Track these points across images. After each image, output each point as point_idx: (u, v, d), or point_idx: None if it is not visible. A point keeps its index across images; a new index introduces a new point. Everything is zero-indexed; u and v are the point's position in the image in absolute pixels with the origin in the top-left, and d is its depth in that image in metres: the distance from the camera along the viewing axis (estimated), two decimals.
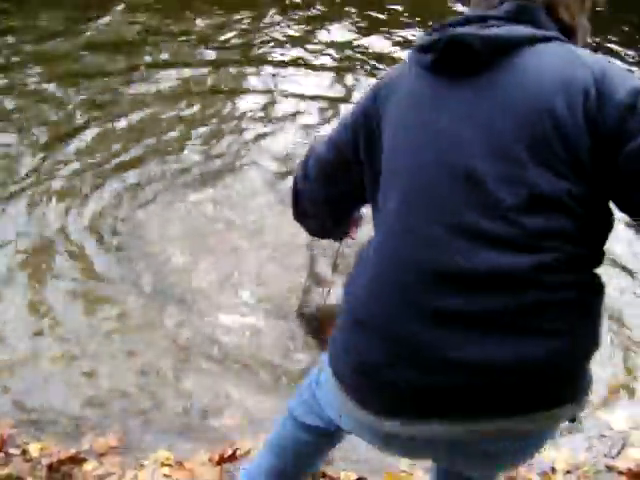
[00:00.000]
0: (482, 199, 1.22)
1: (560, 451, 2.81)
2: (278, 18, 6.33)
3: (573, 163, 1.21)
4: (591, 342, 1.29)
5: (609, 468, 2.75)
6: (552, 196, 1.20)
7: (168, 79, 5.19)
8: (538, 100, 1.24)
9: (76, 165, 4.19)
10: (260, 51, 5.77)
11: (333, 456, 2.63)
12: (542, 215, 1.20)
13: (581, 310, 1.25)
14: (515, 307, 1.20)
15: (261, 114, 4.97)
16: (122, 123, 4.64)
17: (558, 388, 1.26)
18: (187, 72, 5.29)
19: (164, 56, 5.56)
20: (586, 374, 1.32)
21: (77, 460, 2.52)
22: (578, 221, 1.22)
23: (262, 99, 5.14)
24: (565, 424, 1.40)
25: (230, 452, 2.55)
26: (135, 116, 4.70)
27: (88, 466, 2.50)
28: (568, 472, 2.70)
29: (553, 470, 2.70)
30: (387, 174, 1.37)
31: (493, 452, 1.35)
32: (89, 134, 4.48)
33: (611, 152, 1.21)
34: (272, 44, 5.87)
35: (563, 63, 1.27)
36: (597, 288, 1.30)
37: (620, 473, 2.71)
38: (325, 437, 1.87)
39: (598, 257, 1.30)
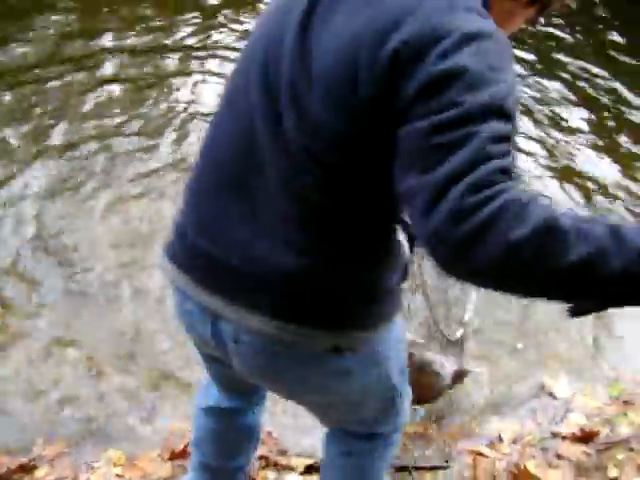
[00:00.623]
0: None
1: (506, 421, 2.89)
2: None
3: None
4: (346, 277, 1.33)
5: (554, 434, 2.83)
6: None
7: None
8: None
9: None
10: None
11: (286, 445, 2.69)
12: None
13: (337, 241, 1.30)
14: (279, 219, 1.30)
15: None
16: None
17: (290, 302, 1.33)
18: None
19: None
20: (347, 308, 1.36)
21: (28, 468, 2.50)
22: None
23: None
24: None
25: (181, 447, 2.57)
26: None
27: (40, 472, 2.49)
28: (514, 441, 2.78)
29: (500, 439, 2.78)
30: None
31: (257, 355, 1.43)
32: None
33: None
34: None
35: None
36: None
37: (564, 438, 2.79)
38: (226, 417, 1.95)
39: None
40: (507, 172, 1.03)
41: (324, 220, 1.29)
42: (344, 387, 1.52)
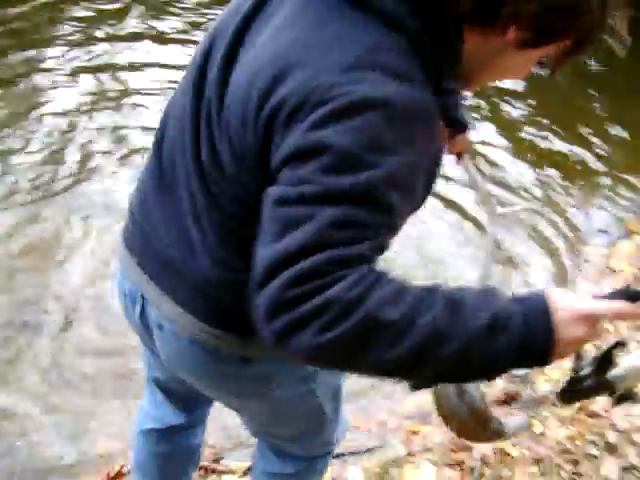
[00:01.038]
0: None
1: None
2: None
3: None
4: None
5: None
6: None
7: None
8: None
9: None
10: None
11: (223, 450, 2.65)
12: None
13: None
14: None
15: None
16: None
17: (204, 305, 1.33)
18: None
19: None
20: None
21: None
22: None
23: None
24: None
25: (117, 469, 2.49)
26: None
27: None
28: None
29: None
30: None
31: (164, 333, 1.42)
32: None
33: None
34: None
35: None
36: None
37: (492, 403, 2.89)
38: (167, 439, 1.88)
39: None
40: (345, 262, 0.96)
41: (235, 240, 1.24)
42: (262, 394, 1.48)
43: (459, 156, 1.87)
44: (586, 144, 5.14)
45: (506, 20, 1.04)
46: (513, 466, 2.65)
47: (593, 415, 2.87)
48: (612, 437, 2.78)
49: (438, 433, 2.74)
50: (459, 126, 1.73)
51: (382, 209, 1.00)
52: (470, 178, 2.08)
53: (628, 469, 2.68)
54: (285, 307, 0.96)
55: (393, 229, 1.04)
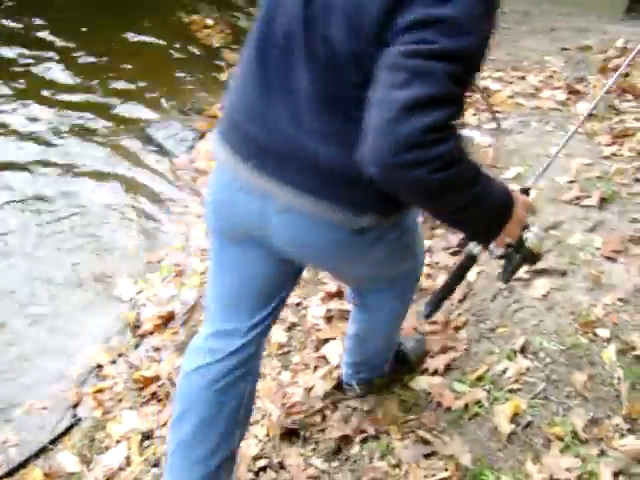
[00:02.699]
0: None
1: None
2: None
3: None
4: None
5: None
6: None
7: None
8: None
9: None
10: None
11: None
12: None
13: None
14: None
15: None
16: None
17: (325, 185, 1.58)
18: None
19: None
20: (369, 195, 1.57)
21: None
22: None
23: None
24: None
25: None
26: None
27: None
28: None
29: None
30: None
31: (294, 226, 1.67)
32: None
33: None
34: None
35: None
36: None
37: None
38: (217, 366, 1.92)
39: None
40: (457, 117, 1.34)
41: (347, 116, 1.49)
42: (372, 252, 1.77)
43: None
44: None
45: None
46: None
47: None
48: None
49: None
50: None
51: (476, 70, 1.38)
52: None
53: None
54: (419, 146, 1.28)
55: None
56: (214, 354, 1.92)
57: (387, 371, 2.47)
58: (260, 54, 1.61)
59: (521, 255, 1.72)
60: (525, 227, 1.68)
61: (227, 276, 1.93)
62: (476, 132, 4.04)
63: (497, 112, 4.21)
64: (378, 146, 1.31)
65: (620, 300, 2.59)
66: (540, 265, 2.71)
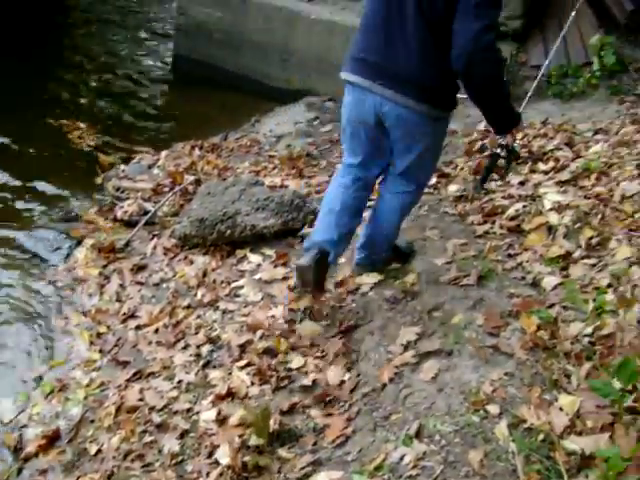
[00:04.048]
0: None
1: None
2: None
3: None
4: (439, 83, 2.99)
5: None
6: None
7: None
8: None
9: None
10: None
11: None
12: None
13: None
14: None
15: None
16: None
17: (416, 91, 2.96)
18: None
19: None
20: (446, 98, 3.06)
21: None
22: None
23: None
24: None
25: None
26: None
27: None
28: None
29: None
30: None
31: (396, 115, 3.02)
32: None
33: None
34: None
35: None
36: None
37: None
38: (357, 181, 3.28)
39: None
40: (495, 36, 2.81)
41: (438, 50, 2.85)
42: (436, 131, 3.18)
43: None
44: None
45: None
46: None
47: None
48: None
49: None
50: None
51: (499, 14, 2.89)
52: None
53: None
54: (488, 44, 2.74)
55: None
56: (351, 175, 3.31)
57: (385, 257, 3.54)
58: (383, 12, 2.93)
59: (512, 154, 3.18)
60: (514, 140, 3.15)
61: (357, 144, 3.23)
62: None
63: None
64: (468, 45, 2.72)
65: (506, 374, 2.63)
66: (426, 347, 2.85)
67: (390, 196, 3.33)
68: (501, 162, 3.26)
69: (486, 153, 3.31)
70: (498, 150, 3.17)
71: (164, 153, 6.19)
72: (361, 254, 3.53)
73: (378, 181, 3.39)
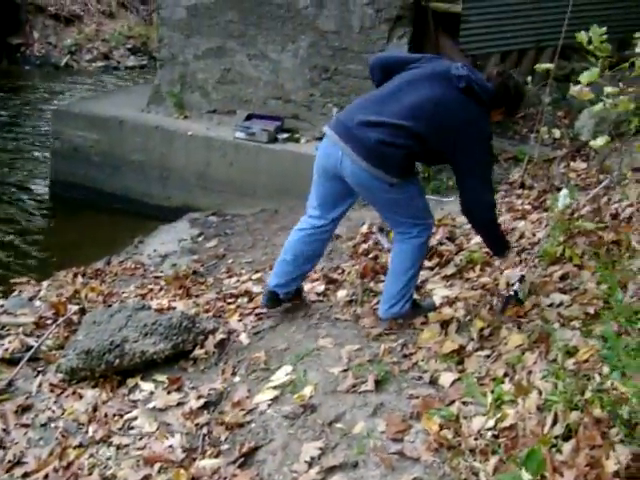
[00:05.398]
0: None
1: None
2: None
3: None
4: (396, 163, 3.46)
5: None
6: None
7: None
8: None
9: None
10: None
11: None
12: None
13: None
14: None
15: None
16: None
17: (378, 161, 3.41)
18: None
19: None
20: (400, 170, 3.47)
21: None
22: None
23: None
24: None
25: None
26: None
27: None
28: None
29: None
30: None
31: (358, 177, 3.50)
32: None
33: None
34: None
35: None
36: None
37: None
38: (314, 231, 3.84)
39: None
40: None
41: (407, 146, 3.42)
42: (397, 196, 3.51)
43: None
44: None
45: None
46: None
47: None
48: None
49: None
50: None
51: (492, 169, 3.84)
52: None
53: None
54: (491, 205, 3.62)
55: None
56: (310, 223, 3.84)
57: (407, 312, 3.77)
58: (378, 93, 3.58)
59: (522, 292, 3.68)
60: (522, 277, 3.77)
61: (321, 190, 3.73)
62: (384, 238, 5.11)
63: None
64: (479, 203, 3.52)
65: None
66: (330, 462, 2.78)
67: (397, 245, 3.76)
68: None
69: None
70: (515, 287, 3.70)
71: (45, 283, 5.94)
72: (382, 307, 3.85)
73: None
